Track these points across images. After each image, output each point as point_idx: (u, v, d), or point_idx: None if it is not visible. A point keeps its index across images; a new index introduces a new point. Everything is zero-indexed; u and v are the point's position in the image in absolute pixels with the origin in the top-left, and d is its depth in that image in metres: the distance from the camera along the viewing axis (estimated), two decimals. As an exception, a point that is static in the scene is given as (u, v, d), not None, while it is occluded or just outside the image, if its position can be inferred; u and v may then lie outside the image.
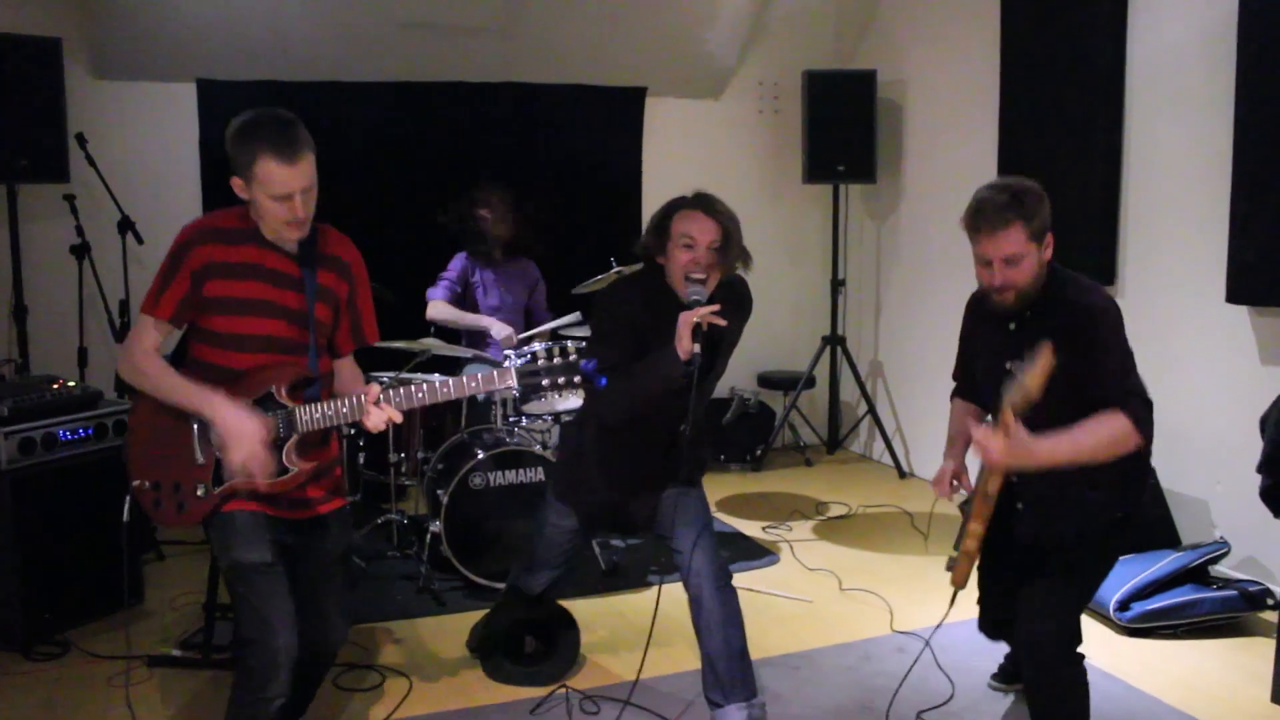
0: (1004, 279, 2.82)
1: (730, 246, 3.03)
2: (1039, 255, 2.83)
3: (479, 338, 5.18)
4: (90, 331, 5.13)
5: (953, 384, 3.35)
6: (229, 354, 2.70)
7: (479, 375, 2.70)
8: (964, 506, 3.13)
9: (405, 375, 4.64)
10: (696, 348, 2.90)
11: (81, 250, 4.96)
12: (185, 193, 5.57)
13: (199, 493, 2.68)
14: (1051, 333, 2.72)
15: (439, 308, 5.11)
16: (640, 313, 3.12)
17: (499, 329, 5.03)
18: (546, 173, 6.31)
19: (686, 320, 2.93)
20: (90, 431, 4.02)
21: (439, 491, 4.43)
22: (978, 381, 3.19)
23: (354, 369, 2.98)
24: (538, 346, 4.66)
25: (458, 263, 5.25)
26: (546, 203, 5.75)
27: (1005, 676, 3.61)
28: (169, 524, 2.76)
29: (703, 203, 3.04)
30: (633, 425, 3.19)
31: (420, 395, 2.72)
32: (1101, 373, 2.81)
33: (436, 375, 4.77)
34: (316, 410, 2.68)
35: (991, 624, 3.33)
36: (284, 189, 2.55)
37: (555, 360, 2.62)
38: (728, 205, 3.09)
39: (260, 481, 2.64)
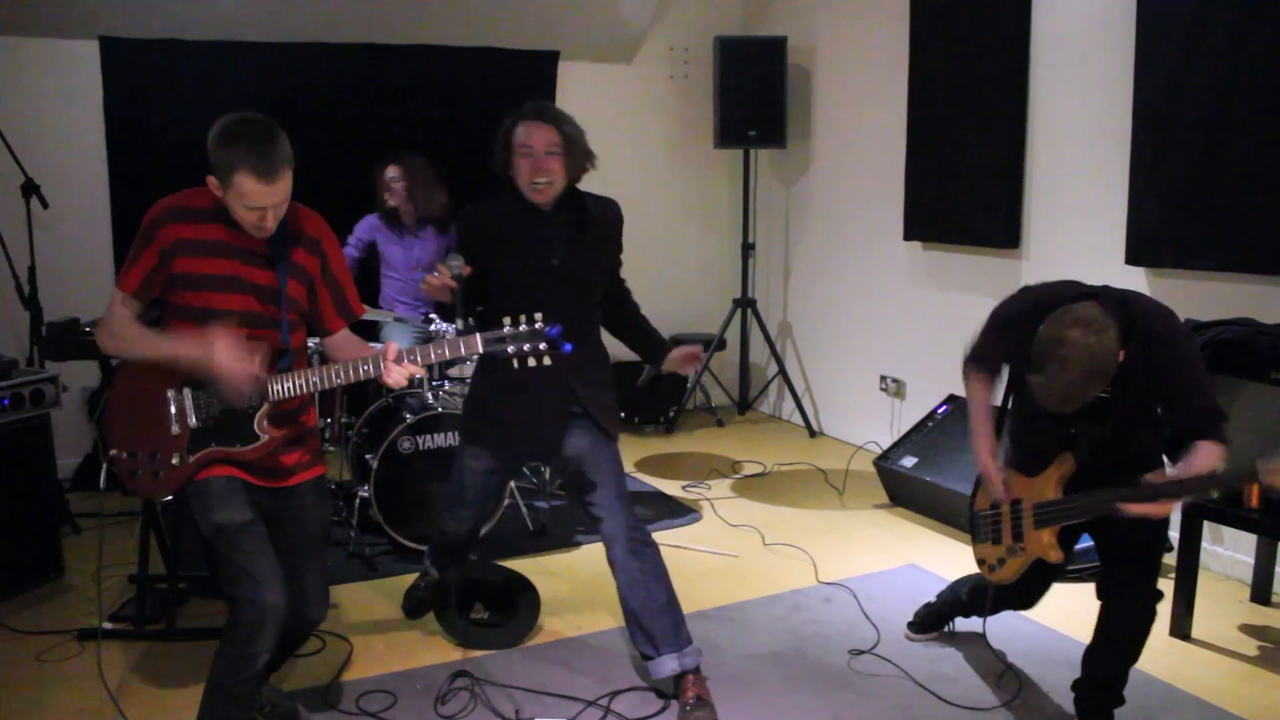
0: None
1: (573, 150, 3.15)
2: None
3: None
4: (-4, 299, 4.97)
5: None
6: (203, 329, 2.70)
7: (449, 340, 2.71)
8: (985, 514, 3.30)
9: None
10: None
11: (-16, 215, 4.78)
12: (90, 155, 5.38)
13: (174, 461, 2.71)
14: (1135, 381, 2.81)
15: None
16: (502, 226, 3.21)
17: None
18: (458, 137, 6.25)
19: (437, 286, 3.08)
20: (7, 402, 3.91)
21: (367, 456, 4.43)
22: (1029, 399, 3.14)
23: (353, 339, 3.00)
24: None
25: (364, 225, 5.23)
26: (459, 167, 5.68)
27: (922, 627, 3.79)
28: (145, 493, 2.81)
29: (538, 112, 3.15)
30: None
31: (440, 352, 2.70)
32: (1189, 406, 2.84)
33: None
34: (288, 380, 2.73)
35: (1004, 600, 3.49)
36: (259, 203, 2.61)
37: (521, 328, 2.66)
38: (570, 116, 3.20)
39: (252, 372, 2.64)
